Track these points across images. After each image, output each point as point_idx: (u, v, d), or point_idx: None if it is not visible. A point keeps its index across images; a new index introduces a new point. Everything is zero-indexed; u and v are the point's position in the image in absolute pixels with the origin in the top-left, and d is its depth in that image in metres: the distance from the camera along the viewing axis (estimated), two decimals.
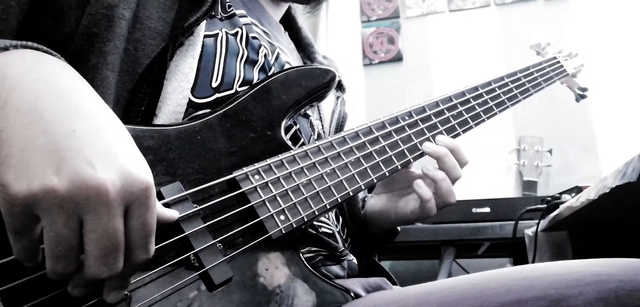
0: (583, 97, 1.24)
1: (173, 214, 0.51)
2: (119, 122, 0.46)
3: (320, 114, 0.89)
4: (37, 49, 0.48)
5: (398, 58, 2.70)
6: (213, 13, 0.70)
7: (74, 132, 0.41)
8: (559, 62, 1.17)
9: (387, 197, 0.86)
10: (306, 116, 0.82)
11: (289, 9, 0.94)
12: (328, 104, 0.91)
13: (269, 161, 0.62)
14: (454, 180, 0.80)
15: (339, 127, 0.91)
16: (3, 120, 0.41)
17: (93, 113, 0.44)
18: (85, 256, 0.40)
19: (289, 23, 0.95)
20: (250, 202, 0.58)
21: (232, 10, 0.74)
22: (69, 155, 0.39)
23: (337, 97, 0.94)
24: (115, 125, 0.45)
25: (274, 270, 0.58)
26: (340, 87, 0.96)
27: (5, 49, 0.46)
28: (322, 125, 0.88)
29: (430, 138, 0.80)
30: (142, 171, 0.43)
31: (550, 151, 2.27)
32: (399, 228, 0.93)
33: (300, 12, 0.98)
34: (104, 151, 0.41)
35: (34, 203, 0.38)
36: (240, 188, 0.59)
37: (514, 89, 0.98)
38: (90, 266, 0.40)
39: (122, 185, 0.41)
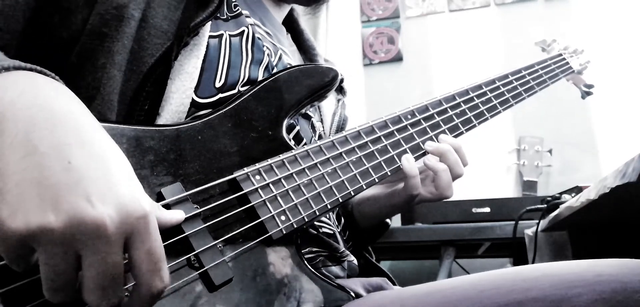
0: (589, 94, 1.22)
1: (178, 215, 0.51)
2: (114, 146, 0.45)
3: (321, 115, 0.89)
4: (31, 69, 0.47)
5: (398, 58, 2.70)
6: (218, 14, 0.70)
7: (69, 164, 0.40)
8: (564, 58, 1.15)
9: (376, 187, 0.86)
10: (307, 117, 0.82)
11: (291, 10, 0.94)
12: (329, 106, 0.91)
13: (270, 160, 0.62)
14: (455, 176, 0.80)
15: (340, 129, 0.91)
16: None
17: (89, 141, 0.43)
18: (83, 287, 0.40)
19: (291, 25, 0.95)
20: (250, 203, 0.58)
21: (239, 9, 0.74)
22: (64, 190, 0.39)
23: (338, 100, 0.94)
24: (110, 151, 0.44)
25: (275, 269, 0.58)
26: (341, 90, 0.96)
27: None
28: (323, 126, 0.88)
29: (433, 137, 0.80)
30: (138, 200, 0.42)
31: (550, 151, 2.27)
32: (388, 221, 0.93)
33: (302, 13, 0.98)
34: (99, 183, 0.40)
35: (32, 240, 0.38)
36: (241, 188, 0.59)
37: (518, 87, 0.97)
38: (89, 299, 0.40)
39: (120, 219, 0.40)
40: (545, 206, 1.59)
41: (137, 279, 0.42)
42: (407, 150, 0.76)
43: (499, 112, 0.91)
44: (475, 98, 0.88)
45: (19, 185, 0.38)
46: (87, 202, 0.39)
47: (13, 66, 0.45)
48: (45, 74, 0.47)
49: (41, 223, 0.37)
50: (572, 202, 1.29)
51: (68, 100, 0.46)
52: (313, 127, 0.82)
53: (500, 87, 0.93)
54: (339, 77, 0.73)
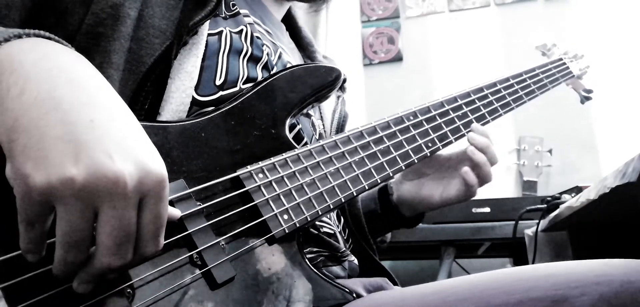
0: (588, 99, 1.23)
1: (175, 212, 0.51)
2: (132, 114, 0.46)
3: (321, 113, 0.89)
4: (49, 38, 0.48)
5: (398, 58, 2.70)
6: (217, 12, 0.70)
7: (92, 121, 0.41)
8: (564, 63, 1.16)
9: (423, 183, 0.91)
10: (308, 116, 0.82)
11: (290, 8, 0.94)
12: (329, 103, 0.91)
13: (273, 159, 0.62)
14: (492, 165, 0.88)
15: (340, 127, 0.91)
16: (21, 109, 0.41)
17: (109, 104, 0.44)
18: (97, 246, 0.41)
19: (289, 22, 0.95)
20: (253, 201, 0.58)
21: (237, 8, 0.74)
22: (86, 145, 0.40)
23: (338, 97, 0.95)
24: (129, 117, 0.46)
25: (275, 269, 0.58)
26: (341, 86, 0.96)
27: (19, 36, 0.46)
28: (323, 125, 0.88)
29: (435, 139, 0.80)
30: (158, 164, 0.43)
31: (550, 151, 2.27)
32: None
33: (302, 12, 0.98)
34: (121, 142, 0.41)
35: (52, 193, 0.38)
36: (244, 186, 0.59)
37: (519, 91, 0.97)
38: (103, 256, 0.41)
39: (139, 177, 0.41)
40: (545, 206, 1.59)
41: (137, 239, 0.43)
42: (409, 151, 0.76)
43: (500, 114, 0.92)
44: (476, 100, 0.88)
45: (42, 140, 0.39)
46: (108, 157, 0.40)
47: (34, 33, 0.47)
48: (62, 43, 0.49)
49: (63, 175, 0.38)
50: (572, 202, 1.29)
51: (87, 66, 0.47)
52: (313, 125, 0.83)
53: (501, 90, 0.94)
54: (342, 77, 0.73)
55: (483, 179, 0.86)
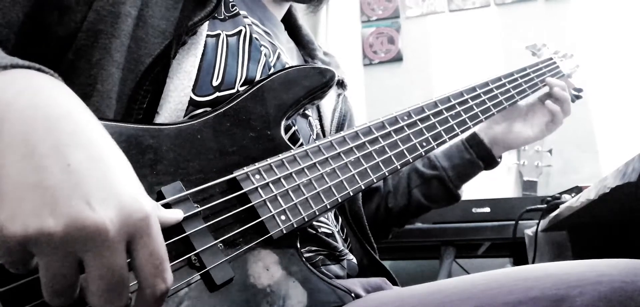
0: (578, 97, 1.25)
1: (177, 215, 0.50)
2: (114, 146, 0.44)
3: (320, 113, 0.89)
4: (29, 67, 0.46)
5: (398, 58, 2.70)
6: (216, 13, 0.70)
7: (69, 166, 0.39)
8: (554, 62, 1.18)
9: (513, 123, 1.08)
10: (305, 116, 0.82)
11: (290, 7, 0.94)
12: (329, 102, 0.91)
13: (269, 160, 0.62)
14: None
15: (341, 125, 0.91)
16: None
17: (87, 141, 0.42)
18: (87, 292, 0.39)
19: (289, 21, 0.95)
20: (251, 202, 0.58)
21: (236, 9, 0.74)
22: (63, 193, 0.38)
23: (338, 95, 0.95)
24: (110, 151, 0.43)
25: (273, 270, 0.58)
26: (341, 84, 0.96)
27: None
28: (322, 124, 0.88)
29: (430, 138, 0.80)
30: (139, 201, 0.41)
31: (550, 151, 2.27)
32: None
33: (301, 12, 0.98)
34: (99, 186, 0.39)
35: (30, 244, 0.37)
36: (241, 188, 0.58)
37: (511, 89, 0.99)
38: (94, 303, 0.39)
39: (120, 221, 0.39)
40: (545, 206, 1.59)
41: (140, 281, 0.41)
42: (404, 151, 0.76)
43: (493, 113, 0.93)
44: (469, 100, 0.90)
45: (18, 188, 0.37)
46: (86, 205, 0.38)
47: (11, 64, 0.44)
48: (43, 71, 0.46)
49: (40, 228, 0.36)
50: (572, 202, 1.29)
51: (67, 99, 0.45)
52: (311, 125, 0.83)
53: (493, 89, 0.96)
54: (336, 78, 0.74)
55: (565, 112, 1.08)
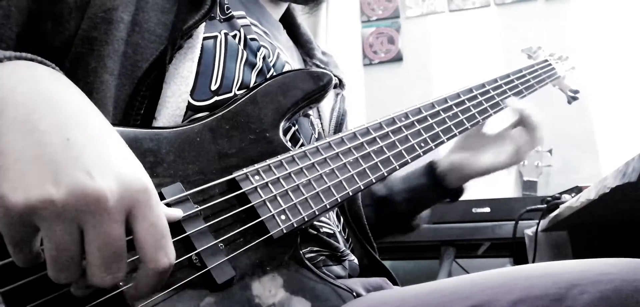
0: (575, 98, 1.25)
1: (177, 212, 0.50)
2: (113, 130, 0.46)
3: (319, 112, 0.89)
4: (31, 59, 0.48)
5: (398, 58, 2.70)
6: (212, 14, 0.69)
7: (68, 141, 0.40)
8: (550, 64, 1.18)
9: (471, 154, 0.96)
10: (306, 116, 0.82)
11: (288, 7, 0.94)
12: (328, 102, 0.91)
13: (268, 161, 0.62)
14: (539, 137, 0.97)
15: (339, 125, 0.91)
16: None
17: (86, 122, 0.44)
18: (87, 264, 0.40)
19: (288, 21, 0.95)
20: (250, 203, 0.58)
21: (231, 12, 0.74)
22: (64, 165, 0.39)
23: (337, 94, 0.95)
24: (109, 133, 0.45)
25: (274, 271, 0.58)
26: (340, 84, 0.96)
27: (0, 61, 0.46)
28: (322, 123, 0.88)
29: (428, 139, 0.80)
30: (138, 175, 0.42)
31: (550, 151, 2.27)
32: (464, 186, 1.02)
33: (299, 12, 0.98)
34: (99, 159, 0.41)
35: (33, 214, 0.38)
36: (241, 188, 0.58)
37: (507, 91, 0.99)
38: (93, 275, 0.40)
39: (120, 191, 0.40)
40: (545, 206, 1.59)
41: (141, 255, 0.42)
42: (402, 151, 0.76)
43: (490, 114, 0.94)
44: (466, 101, 0.90)
45: (19, 161, 0.39)
46: (87, 175, 0.39)
47: (14, 56, 0.47)
48: (45, 64, 0.48)
49: (42, 195, 0.38)
50: (572, 202, 1.29)
51: (66, 85, 0.47)
52: (312, 124, 0.83)
53: (490, 91, 0.96)
54: (334, 81, 0.74)
55: (534, 143, 0.96)
